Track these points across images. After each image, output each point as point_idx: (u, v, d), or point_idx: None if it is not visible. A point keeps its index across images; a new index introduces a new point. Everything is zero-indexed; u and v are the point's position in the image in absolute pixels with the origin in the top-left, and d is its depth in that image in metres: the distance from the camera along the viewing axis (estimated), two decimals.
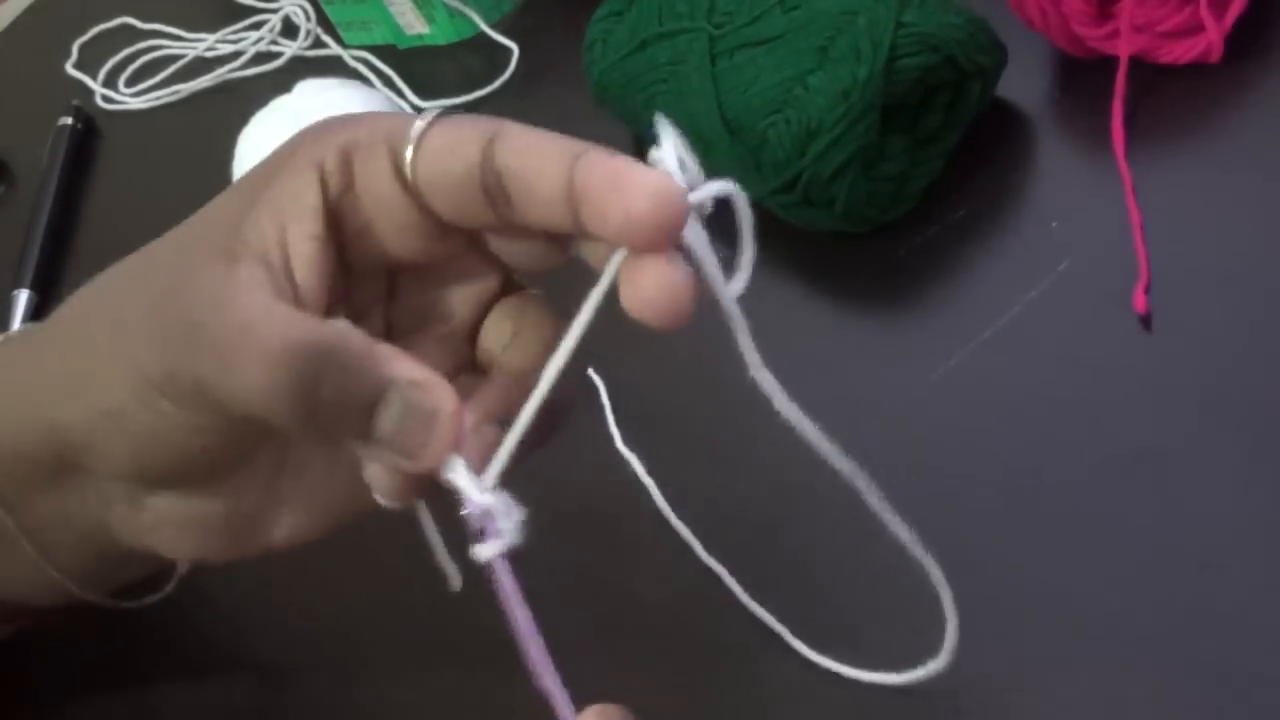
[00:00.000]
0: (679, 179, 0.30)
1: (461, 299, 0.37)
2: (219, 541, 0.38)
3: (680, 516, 0.48)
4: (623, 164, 0.30)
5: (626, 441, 0.51)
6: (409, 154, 0.33)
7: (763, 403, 0.31)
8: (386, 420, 0.32)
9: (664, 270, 0.29)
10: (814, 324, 0.53)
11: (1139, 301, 0.47)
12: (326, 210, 0.34)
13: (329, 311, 0.34)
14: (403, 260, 0.35)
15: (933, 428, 0.47)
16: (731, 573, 0.45)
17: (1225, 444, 0.43)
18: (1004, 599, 0.42)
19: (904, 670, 0.40)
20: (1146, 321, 0.47)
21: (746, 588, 0.45)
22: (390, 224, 0.34)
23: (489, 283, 0.37)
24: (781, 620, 0.44)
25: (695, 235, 0.30)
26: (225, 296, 0.33)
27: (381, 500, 0.34)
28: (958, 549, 0.44)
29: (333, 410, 0.32)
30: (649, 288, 0.29)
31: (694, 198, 0.30)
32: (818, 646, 0.43)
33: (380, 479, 0.34)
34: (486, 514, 0.31)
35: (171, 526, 0.38)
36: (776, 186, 0.53)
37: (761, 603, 0.44)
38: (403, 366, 0.32)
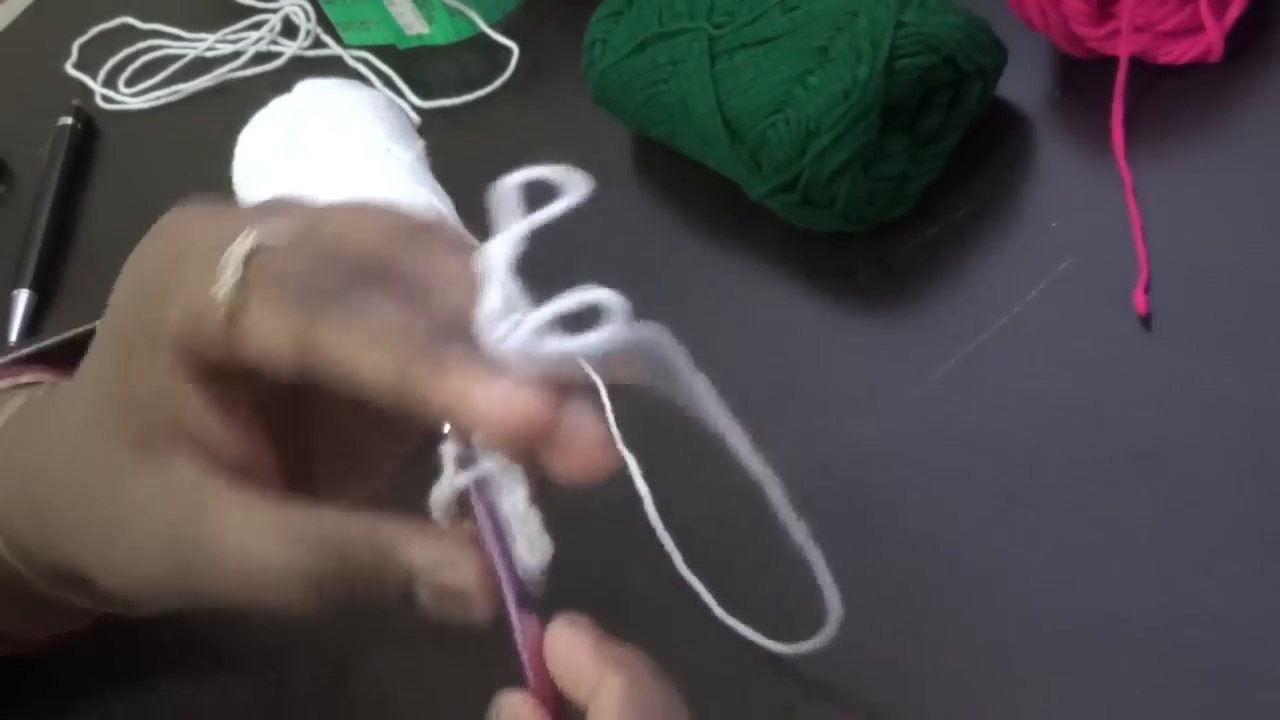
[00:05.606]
0: (507, 329, 0.28)
1: (389, 442, 0.37)
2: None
3: (673, 519, 0.47)
4: (464, 381, 0.28)
5: (627, 443, 0.51)
6: (213, 330, 0.30)
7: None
8: (424, 600, 0.32)
9: (573, 452, 0.28)
10: (814, 324, 0.53)
11: (1139, 301, 0.47)
12: (205, 381, 0.32)
13: (276, 446, 0.33)
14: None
15: (933, 427, 0.47)
16: (712, 584, 0.45)
17: (1225, 444, 0.43)
18: (1002, 598, 0.42)
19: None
20: (1146, 321, 0.47)
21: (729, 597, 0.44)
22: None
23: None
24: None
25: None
26: (195, 515, 0.31)
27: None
28: (956, 548, 0.44)
29: (364, 600, 0.32)
30: (559, 463, 0.28)
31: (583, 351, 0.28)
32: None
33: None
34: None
35: None
36: (776, 186, 0.53)
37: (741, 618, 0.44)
38: (418, 549, 0.31)
